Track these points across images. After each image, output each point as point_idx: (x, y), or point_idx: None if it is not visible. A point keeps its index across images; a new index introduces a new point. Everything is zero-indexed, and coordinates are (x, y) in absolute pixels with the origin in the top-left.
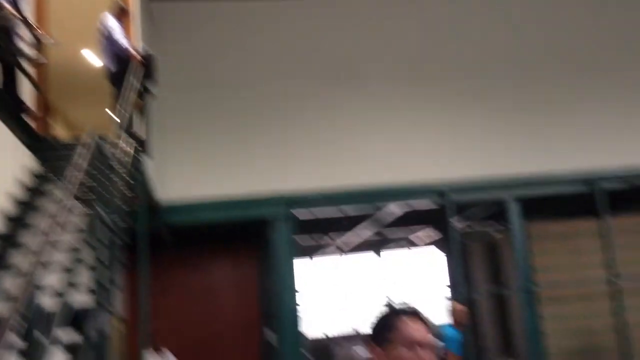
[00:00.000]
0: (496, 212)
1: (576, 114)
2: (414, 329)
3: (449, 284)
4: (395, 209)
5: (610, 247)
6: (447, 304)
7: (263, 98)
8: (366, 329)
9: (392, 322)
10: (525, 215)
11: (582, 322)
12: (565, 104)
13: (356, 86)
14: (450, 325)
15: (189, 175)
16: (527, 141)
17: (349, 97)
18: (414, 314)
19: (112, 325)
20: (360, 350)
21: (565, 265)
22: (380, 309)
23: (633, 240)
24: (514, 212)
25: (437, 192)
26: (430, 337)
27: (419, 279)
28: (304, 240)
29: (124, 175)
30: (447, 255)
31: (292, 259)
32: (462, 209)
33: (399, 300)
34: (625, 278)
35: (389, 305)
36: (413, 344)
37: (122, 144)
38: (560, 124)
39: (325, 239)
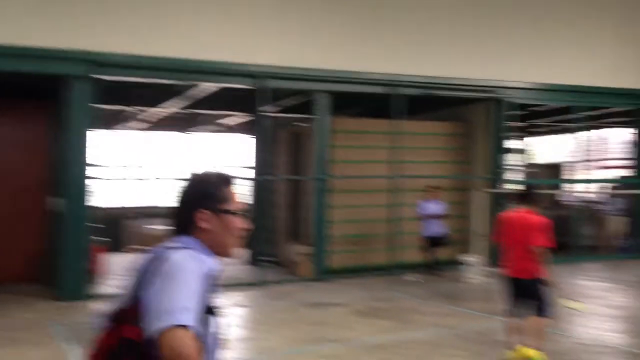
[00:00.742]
0: (305, 103)
1: (387, 24)
2: (238, 197)
3: (253, 166)
4: (207, 87)
5: (397, 147)
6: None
7: None
8: (168, 204)
9: (223, 191)
10: (330, 109)
11: (364, 212)
12: (379, 14)
13: None
14: None
15: None
16: (342, 40)
17: None
18: (233, 182)
19: None
20: (158, 224)
21: (358, 159)
22: (204, 176)
23: (416, 143)
24: (322, 105)
25: (251, 75)
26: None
27: (224, 160)
28: (103, 109)
29: None
30: (255, 140)
31: (87, 126)
32: (274, 96)
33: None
34: (406, 176)
35: (216, 174)
36: (240, 210)
37: None
38: (372, 29)
39: (129, 111)
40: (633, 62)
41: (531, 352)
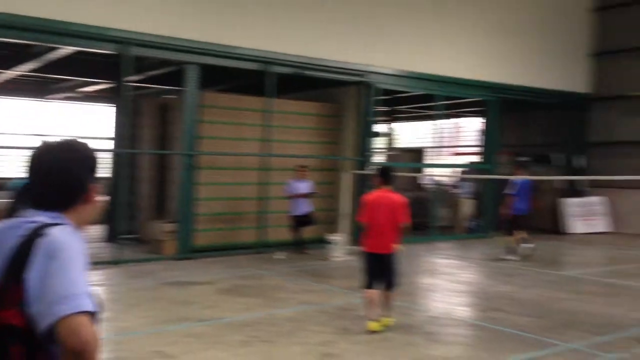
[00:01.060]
0: (174, 74)
1: (263, 0)
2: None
3: (113, 138)
4: (67, 50)
5: (268, 125)
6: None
7: None
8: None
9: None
10: (200, 83)
11: (232, 189)
12: None
13: None
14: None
15: None
16: (215, 12)
17: None
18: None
19: None
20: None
21: (228, 136)
22: (86, 147)
23: (287, 122)
24: (192, 77)
25: (114, 40)
26: None
27: (82, 130)
28: None
29: None
30: (116, 110)
31: None
32: (140, 65)
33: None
34: (275, 155)
35: (85, 144)
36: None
37: None
38: (247, 4)
39: None
40: (486, 57)
41: (386, 320)
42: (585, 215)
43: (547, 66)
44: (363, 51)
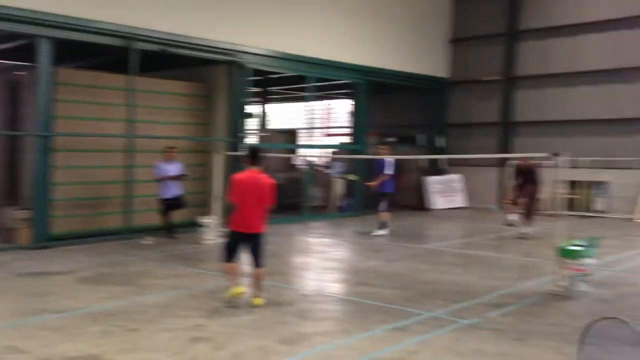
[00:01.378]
0: (24, 49)
1: None
2: None
3: None
4: None
5: (133, 105)
6: None
7: None
8: None
9: None
10: (55, 59)
11: (94, 173)
12: None
13: None
14: None
15: None
16: None
17: None
18: None
19: None
20: None
21: (88, 116)
22: None
23: (154, 102)
24: (44, 52)
25: None
26: None
27: None
28: None
29: None
30: None
31: None
32: None
33: None
34: (140, 136)
35: None
36: None
37: None
38: None
39: None
40: (356, 41)
41: (256, 300)
42: (445, 192)
43: (412, 51)
44: (233, 30)
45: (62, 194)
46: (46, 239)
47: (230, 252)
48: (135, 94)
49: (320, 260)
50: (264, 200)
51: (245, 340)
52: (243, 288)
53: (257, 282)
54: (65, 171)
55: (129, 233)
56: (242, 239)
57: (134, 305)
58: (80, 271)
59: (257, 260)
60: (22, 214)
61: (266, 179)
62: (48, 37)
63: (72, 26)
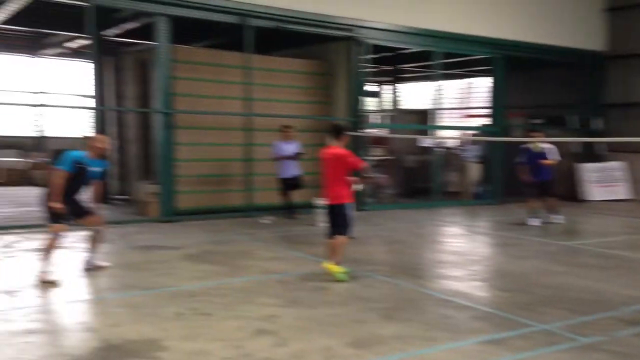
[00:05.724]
0: (146, 28)
1: None
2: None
3: (94, 95)
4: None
5: (251, 83)
6: (90, 138)
7: None
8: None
9: None
10: (174, 38)
11: (216, 150)
12: None
13: None
14: (89, 156)
15: None
16: None
17: None
18: None
19: None
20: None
21: (207, 94)
22: None
23: (272, 80)
24: (162, 30)
25: None
26: None
27: (63, 88)
28: None
29: None
30: (93, 66)
31: None
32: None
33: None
34: (259, 115)
35: None
36: None
37: None
38: None
39: None
40: (490, 11)
41: (334, 268)
42: (603, 181)
43: (559, 21)
44: (352, 3)
45: (186, 170)
46: (171, 214)
47: (329, 227)
48: (252, 72)
49: (434, 252)
50: (342, 172)
51: (312, 338)
52: (335, 267)
53: (333, 250)
54: (187, 148)
55: (250, 211)
56: (331, 211)
57: (219, 288)
58: (188, 247)
59: (335, 229)
60: (152, 188)
61: (342, 152)
62: (166, 15)
63: (189, 3)
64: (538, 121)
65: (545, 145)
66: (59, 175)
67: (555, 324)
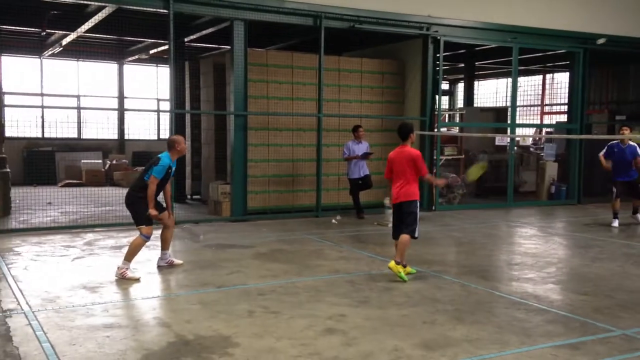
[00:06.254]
0: (223, 32)
1: None
2: None
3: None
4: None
5: (323, 84)
6: (171, 140)
7: None
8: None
9: None
10: (248, 41)
11: (288, 151)
12: None
13: None
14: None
15: None
16: None
17: None
18: None
19: None
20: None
21: (280, 96)
22: None
23: (344, 81)
24: (238, 34)
25: None
26: None
27: (142, 92)
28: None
29: None
30: (170, 70)
31: None
32: (188, 23)
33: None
34: (331, 115)
35: None
36: None
37: None
38: None
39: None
40: (570, 2)
41: (398, 267)
42: None
43: None
44: (427, 1)
45: (258, 170)
46: (243, 213)
47: (394, 227)
48: (325, 73)
49: (506, 253)
50: (411, 172)
51: (382, 339)
52: (399, 267)
53: (400, 248)
54: (259, 148)
55: (320, 211)
56: (397, 209)
57: (289, 286)
58: (259, 246)
59: (401, 228)
60: (226, 188)
61: (413, 152)
62: (242, 20)
63: (265, 7)
64: (621, 117)
65: (631, 142)
66: (154, 182)
67: (636, 329)
